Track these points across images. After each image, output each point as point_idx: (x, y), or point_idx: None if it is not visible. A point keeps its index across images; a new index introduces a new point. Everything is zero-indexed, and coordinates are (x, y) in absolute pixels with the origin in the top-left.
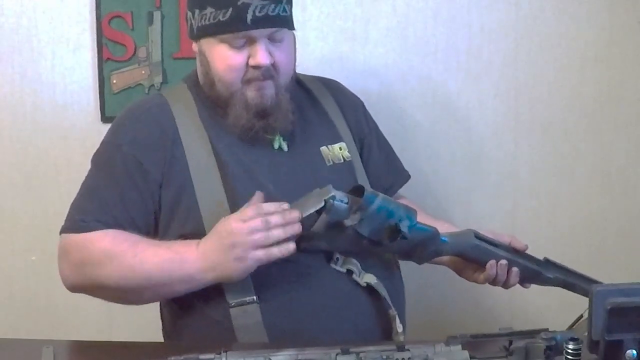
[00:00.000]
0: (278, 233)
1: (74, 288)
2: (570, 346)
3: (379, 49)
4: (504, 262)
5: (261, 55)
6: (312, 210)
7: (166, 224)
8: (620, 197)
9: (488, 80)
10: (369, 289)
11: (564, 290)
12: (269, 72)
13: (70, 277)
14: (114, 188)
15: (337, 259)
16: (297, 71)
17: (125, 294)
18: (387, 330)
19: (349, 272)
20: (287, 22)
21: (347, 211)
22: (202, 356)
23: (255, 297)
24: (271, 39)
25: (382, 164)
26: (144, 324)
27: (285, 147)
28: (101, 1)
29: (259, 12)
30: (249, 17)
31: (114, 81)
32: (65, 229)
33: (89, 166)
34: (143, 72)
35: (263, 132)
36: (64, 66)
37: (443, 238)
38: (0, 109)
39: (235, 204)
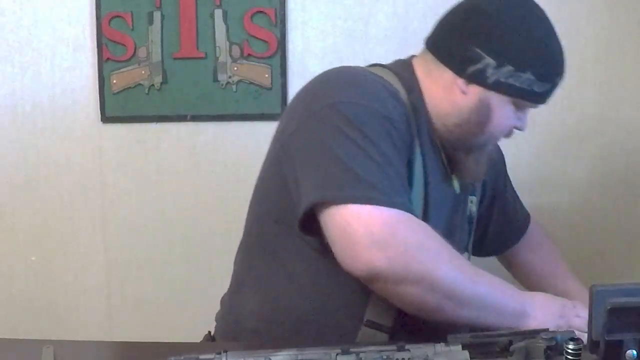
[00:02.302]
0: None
1: (386, 274)
2: (571, 346)
3: (379, 49)
4: None
5: (526, 122)
6: None
7: None
8: (620, 197)
9: None
10: None
11: None
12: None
13: (393, 258)
14: (396, 163)
15: None
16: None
17: (444, 301)
18: None
19: None
20: None
21: None
22: (202, 356)
23: (391, 326)
24: None
25: (513, 211)
26: (143, 323)
27: (458, 189)
28: (101, 1)
29: None
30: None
31: (114, 81)
32: (361, 199)
33: (89, 166)
34: (143, 72)
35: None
36: (64, 66)
37: None
38: (0, 109)
39: None
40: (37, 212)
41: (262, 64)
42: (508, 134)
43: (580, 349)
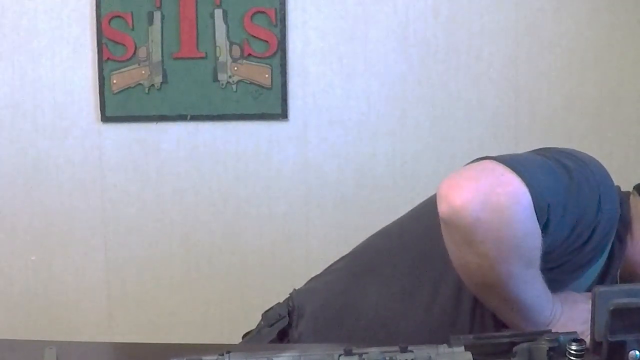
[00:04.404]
0: None
1: (464, 228)
2: (573, 347)
3: (379, 49)
4: None
5: None
6: None
7: None
8: None
9: (488, 80)
10: None
11: None
12: None
13: (481, 221)
14: (572, 208)
15: None
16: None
17: (484, 288)
18: None
19: None
20: None
21: None
22: (204, 357)
23: None
24: None
25: None
26: (143, 323)
27: None
28: (101, 1)
29: None
30: None
31: (114, 81)
32: (520, 173)
33: (89, 166)
34: (143, 72)
35: None
36: (64, 66)
37: None
38: (0, 108)
39: None
40: (37, 212)
41: (262, 64)
42: None
43: (583, 350)
